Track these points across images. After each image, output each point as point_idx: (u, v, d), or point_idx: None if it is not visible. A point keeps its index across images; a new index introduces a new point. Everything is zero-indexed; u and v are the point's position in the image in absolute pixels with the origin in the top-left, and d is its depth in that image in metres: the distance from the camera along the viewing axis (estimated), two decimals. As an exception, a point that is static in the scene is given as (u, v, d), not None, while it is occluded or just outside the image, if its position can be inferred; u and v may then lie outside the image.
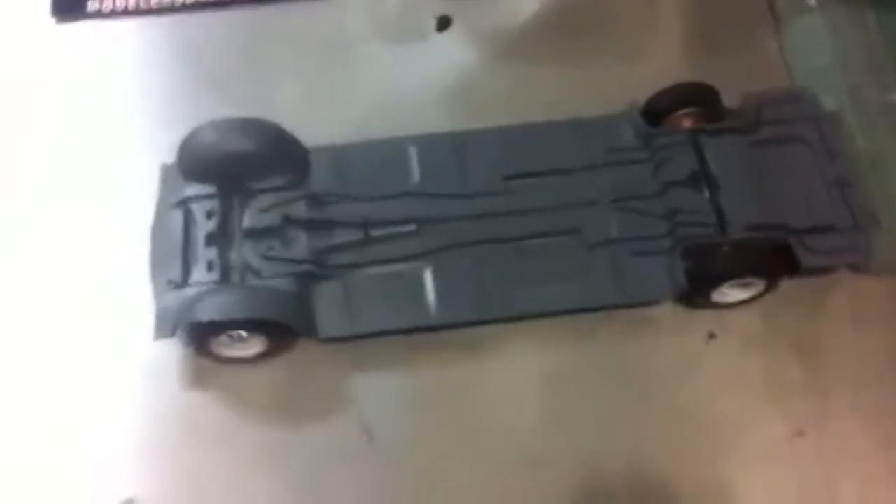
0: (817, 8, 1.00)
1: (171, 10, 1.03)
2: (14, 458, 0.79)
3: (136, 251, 0.83)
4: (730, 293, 0.83)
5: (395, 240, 0.83)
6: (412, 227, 0.83)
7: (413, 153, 0.88)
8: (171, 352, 0.82)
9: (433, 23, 1.02)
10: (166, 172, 0.86)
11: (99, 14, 1.03)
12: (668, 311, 0.85)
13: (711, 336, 0.84)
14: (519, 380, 0.82)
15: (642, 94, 0.90)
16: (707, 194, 0.84)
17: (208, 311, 0.76)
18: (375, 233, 0.83)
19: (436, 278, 0.81)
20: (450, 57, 1.01)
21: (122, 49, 1.02)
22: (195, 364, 0.82)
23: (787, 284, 0.83)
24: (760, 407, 0.81)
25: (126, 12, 1.03)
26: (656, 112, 0.89)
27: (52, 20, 1.02)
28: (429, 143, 0.88)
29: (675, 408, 0.81)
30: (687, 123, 0.88)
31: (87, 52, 1.01)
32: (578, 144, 0.88)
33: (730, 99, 0.89)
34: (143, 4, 1.03)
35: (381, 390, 0.82)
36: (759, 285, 0.82)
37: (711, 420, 0.81)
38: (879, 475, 0.79)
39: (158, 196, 0.85)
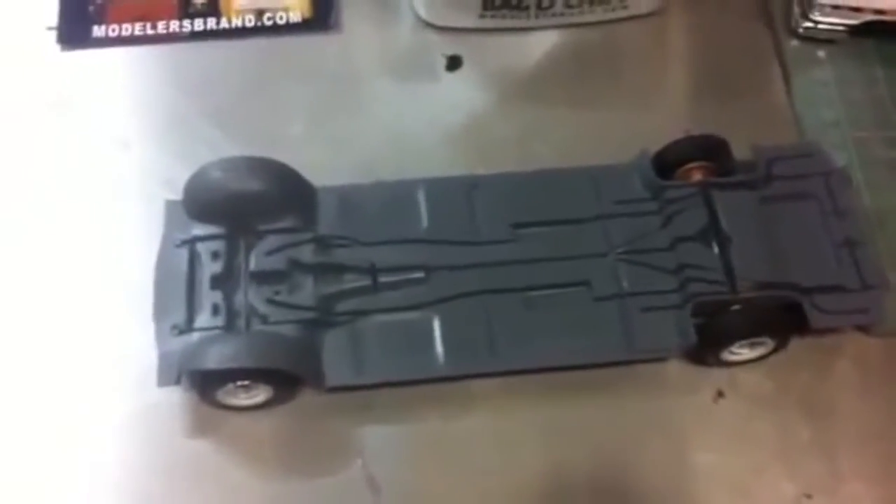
0: (826, 60, 1.01)
1: (178, 38, 1.02)
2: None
3: (136, 290, 0.81)
4: (740, 352, 0.82)
5: (403, 286, 0.82)
6: (420, 273, 0.82)
7: (422, 197, 0.87)
8: (173, 398, 0.81)
9: (443, 62, 1.02)
10: (171, 210, 0.85)
11: (105, 41, 1.01)
12: (676, 368, 0.84)
13: (720, 394, 0.84)
14: (523, 435, 0.81)
15: (652, 141, 0.89)
16: (717, 250, 0.83)
17: (214, 360, 0.75)
18: (383, 279, 0.82)
19: (444, 328, 0.80)
20: (460, 97, 1.00)
21: (126, 77, 1.00)
22: (197, 410, 0.81)
23: (795, 343, 0.83)
24: (769, 467, 0.81)
25: (132, 39, 1.02)
26: (667, 163, 0.88)
27: (56, 47, 1.01)
28: (438, 187, 0.87)
29: (682, 466, 0.81)
30: (697, 176, 0.88)
31: (92, 80, 0.99)
32: (589, 194, 0.87)
33: (738, 149, 0.89)
34: (149, 31, 1.02)
35: (388, 442, 0.81)
36: (768, 344, 0.82)
37: (720, 479, 0.80)
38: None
39: (163, 235, 0.83)
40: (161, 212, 0.85)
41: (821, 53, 1.01)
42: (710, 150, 0.88)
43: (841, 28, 1.00)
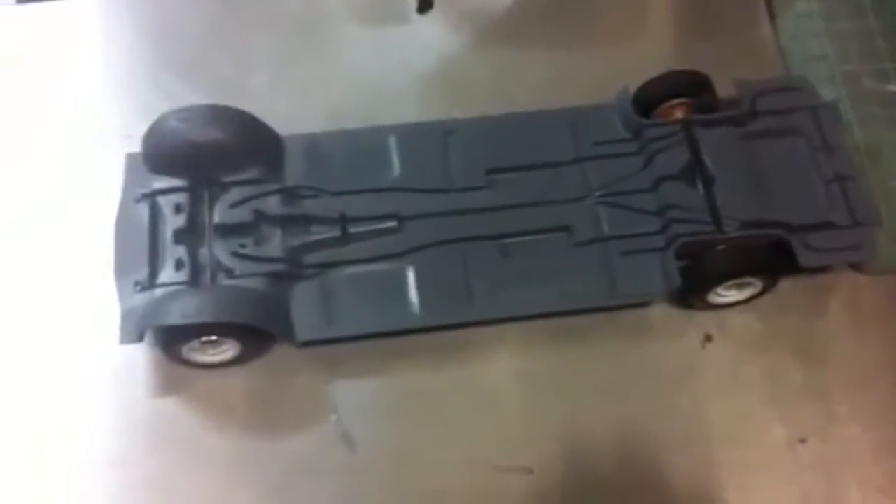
0: (812, -8, 0.97)
1: (134, -12, 0.98)
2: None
3: (99, 247, 0.78)
4: (726, 294, 0.79)
5: (374, 237, 0.79)
6: (393, 223, 0.79)
7: (393, 143, 0.83)
8: (139, 357, 0.77)
9: (414, 3, 0.97)
10: (131, 163, 0.81)
11: (60, -8, 0.97)
12: (661, 313, 0.81)
13: (707, 338, 0.81)
14: (505, 385, 0.79)
15: (632, 81, 0.85)
16: (701, 189, 0.80)
17: (178, 315, 0.71)
18: (354, 229, 0.78)
19: (418, 278, 0.77)
20: (431, 40, 0.96)
21: (84, 31, 0.96)
22: (164, 370, 0.77)
23: (784, 284, 0.80)
24: (760, 412, 0.78)
25: (89, -9, 0.98)
26: (648, 101, 0.85)
27: (11, 1, 0.97)
28: (409, 133, 0.84)
29: (670, 413, 0.78)
30: (679, 114, 0.84)
31: (48, 33, 0.95)
32: (566, 136, 0.84)
33: (722, 87, 0.85)
34: (105, -19, 0.98)
35: (362, 397, 0.78)
36: (756, 285, 0.79)
37: (709, 425, 0.77)
38: (882, 483, 0.76)
39: (123, 188, 0.80)
40: (122, 166, 0.81)
41: (806, -15, 0.98)
42: (692, 86, 0.84)
43: (827, -43, 0.97)
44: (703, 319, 0.81)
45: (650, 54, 0.95)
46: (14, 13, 0.97)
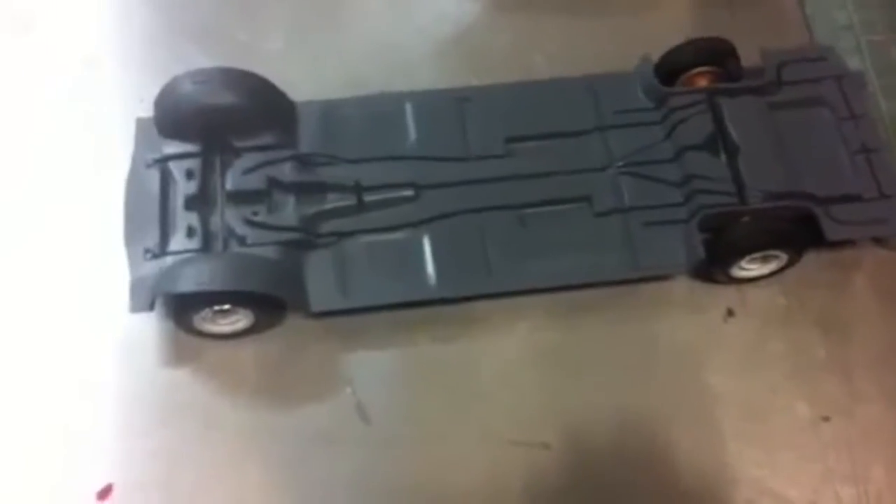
0: (840, -40, 0.95)
1: (148, -47, 0.96)
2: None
3: (111, 215, 0.76)
4: (750, 267, 0.78)
5: (390, 205, 0.77)
6: (409, 191, 0.77)
7: (409, 110, 0.82)
8: (150, 326, 0.76)
9: (430, -31, 0.96)
10: (142, 128, 0.79)
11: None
12: (682, 287, 0.80)
13: (730, 313, 0.79)
14: (522, 358, 0.77)
15: (654, 49, 0.84)
16: (725, 160, 0.78)
17: (189, 283, 0.70)
18: (369, 198, 0.77)
19: (434, 248, 0.76)
20: (448, 6, 0.94)
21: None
22: (175, 340, 0.76)
23: (809, 258, 0.78)
24: (783, 388, 0.77)
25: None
26: (670, 70, 0.83)
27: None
28: (426, 100, 0.82)
29: (691, 388, 0.76)
30: (703, 82, 0.82)
31: (58, -1, 0.94)
32: (587, 104, 0.82)
33: (747, 56, 0.83)
34: (117, -56, 0.96)
35: (377, 368, 0.77)
36: (781, 259, 0.77)
37: (731, 401, 0.76)
38: (907, 462, 0.74)
39: (133, 154, 0.78)
40: (132, 130, 0.80)
41: (833, -47, 0.95)
42: (716, 54, 0.83)
43: (855, -77, 0.94)
44: (725, 293, 0.80)
45: (672, 22, 0.93)
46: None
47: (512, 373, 0.77)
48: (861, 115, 0.81)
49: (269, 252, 0.74)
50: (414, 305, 0.76)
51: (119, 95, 0.88)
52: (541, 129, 0.81)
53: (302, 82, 0.84)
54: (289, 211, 0.76)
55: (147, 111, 0.79)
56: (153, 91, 0.79)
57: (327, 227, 0.76)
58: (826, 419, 0.76)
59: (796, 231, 0.76)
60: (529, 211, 0.78)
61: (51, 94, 0.88)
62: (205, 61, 0.87)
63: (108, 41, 0.92)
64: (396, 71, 0.89)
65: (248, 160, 0.77)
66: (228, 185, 0.76)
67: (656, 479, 0.74)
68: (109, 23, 0.94)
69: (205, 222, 0.75)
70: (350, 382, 0.76)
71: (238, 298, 0.72)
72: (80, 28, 0.92)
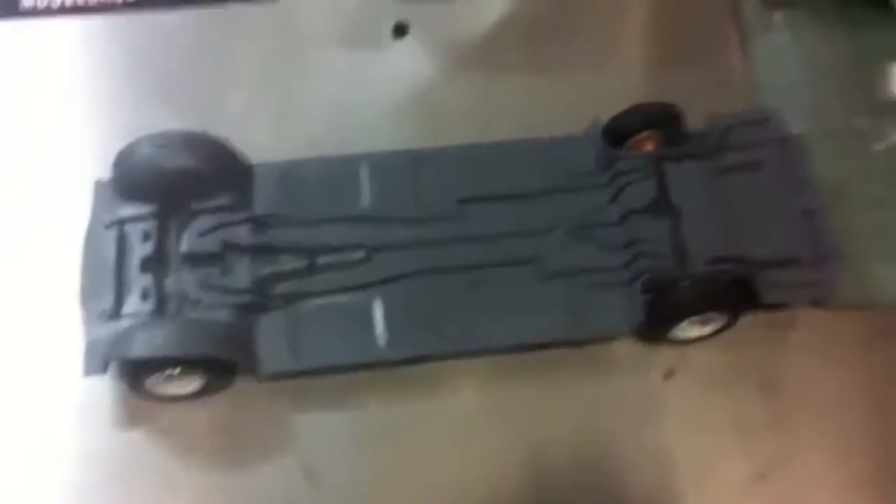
0: (784, 25, 0.98)
1: (112, 8, 0.98)
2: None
3: (67, 275, 0.78)
4: (689, 329, 0.80)
5: (342, 268, 0.79)
6: (361, 254, 0.79)
7: (365, 172, 0.84)
8: (103, 388, 0.78)
9: (389, 29, 0.98)
10: (100, 190, 0.81)
11: (34, 11, 0.97)
12: (625, 347, 0.82)
13: (671, 373, 0.82)
14: (470, 418, 0.80)
15: (606, 109, 0.86)
16: (668, 224, 0.81)
17: (142, 347, 0.72)
18: (322, 260, 0.79)
19: (386, 310, 0.78)
20: (406, 67, 0.97)
21: (58, 50, 0.96)
22: (129, 402, 0.78)
23: (747, 318, 0.81)
24: (723, 446, 0.79)
25: (63, 10, 0.98)
26: (618, 133, 0.85)
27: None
28: (381, 162, 0.84)
29: (633, 448, 0.79)
30: (649, 146, 0.85)
31: (21, 52, 0.95)
32: (537, 167, 0.84)
33: (695, 117, 0.86)
34: (80, 2, 0.98)
35: (325, 429, 0.78)
36: (719, 321, 0.80)
37: (673, 460, 0.79)
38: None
39: (90, 215, 0.80)
40: (90, 190, 0.81)
41: (779, 16, 0.99)
42: (662, 118, 0.85)
43: (799, -11, 0.98)
44: (667, 353, 0.82)
45: (626, 83, 0.96)
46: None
47: (461, 432, 0.79)
48: (801, 179, 0.83)
49: (223, 315, 0.76)
50: (365, 368, 0.78)
51: (81, 152, 0.89)
52: (492, 191, 0.83)
53: (263, 141, 0.86)
54: (243, 273, 0.77)
55: (107, 169, 0.81)
56: (115, 146, 0.80)
57: (280, 288, 0.78)
58: (765, 476, 0.78)
59: (735, 294, 0.79)
60: (479, 273, 0.80)
61: (13, 151, 0.90)
62: (167, 118, 0.89)
63: (71, 98, 0.94)
64: (355, 131, 0.91)
65: (203, 222, 0.79)
66: (183, 248, 0.78)
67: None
68: (73, 80, 0.95)
69: (160, 284, 0.76)
70: (298, 443, 0.77)
71: (190, 363, 0.73)
72: (45, 84, 0.94)
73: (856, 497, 0.78)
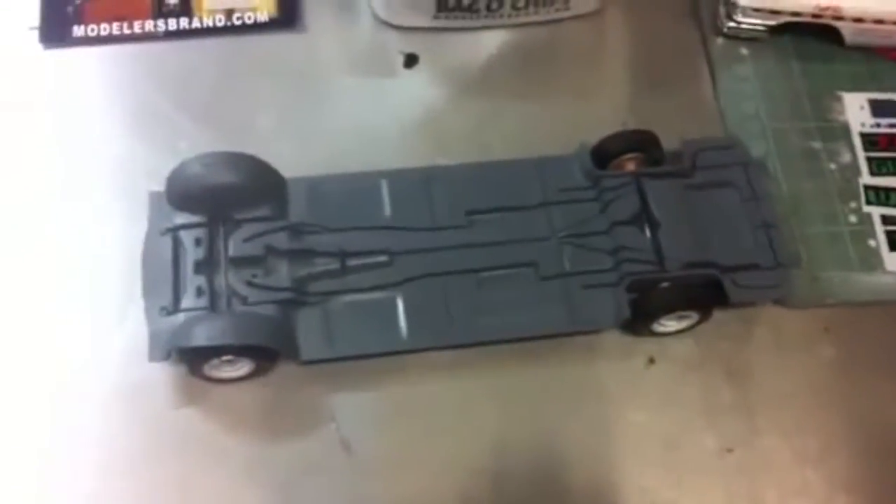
0: (748, 57, 1.11)
1: (153, 37, 1.09)
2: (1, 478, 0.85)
3: (126, 276, 0.90)
4: (668, 324, 0.92)
5: (369, 269, 0.90)
6: (384, 257, 0.91)
7: (384, 186, 0.95)
8: (161, 372, 0.89)
9: (401, 59, 1.09)
10: (155, 200, 0.92)
11: (84, 40, 1.08)
12: (610, 339, 0.94)
13: (651, 361, 0.94)
14: (477, 399, 0.91)
15: (593, 133, 0.98)
16: (648, 233, 0.93)
17: (202, 337, 0.83)
18: (351, 262, 0.90)
19: (406, 306, 0.89)
20: (416, 92, 1.08)
21: (106, 75, 1.07)
22: (184, 383, 0.89)
23: (718, 315, 0.93)
24: (695, 424, 0.91)
25: (110, 38, 1.08)
26: (603, 155, 0.98)
27: (39, 47, 1.07)
28: (398, 178, 0.96)
29: (616, 424, 0.91)
30: (631, 167, 0.97)
31: (74, 77, 1.06)
32: (534, 183, 0.96)
33: (670, 140, 0.98)
34: (126, 31, 1.08)
35: (357, 407, 0.90)
36: (693, 317, 0.92)
37: (651, 435, 0.90)
38: (796, 487, 0.89)
39: (148, 223, 0.91)
40: (144, 201, 0.92)
41: (743, 51, 1.11)
42: (642, 143, 0.98)
43: (761, 28, 1.10)
44: (648, 344, 0.94)
45: (608, 109, 1.07)
46: (41, 57, 1.07)
47: (465, 411, 0.90)
48: (762, 197, 0.96)
49: (267, 309, 0.87)
50: (388, 354, 0.90)
51: (129, 168, 0.99)
52: (495, 204, 0.95)
53: (290, 158, 0.96)
54: (283, 274, 0.88)
55: (155, 183, 0.91)
56: (159, 164, 0.92)
57: (315, 287, 0.89)
58: (730, 451, 0.90)
59: (707, 294, 0.91)
60: (485, 274, 0.91)
61: (67, 168, 1.00)
62: (203, 137, 1.00)
63: (117, 119, 1.04)
64: (373, 150, 1.02)
65: (247, 230, 0.90)
66: (231, 252, 0.89)
67: (586, 493, 0.88)
68: (119, 103, 1.05)
69: (211, 283, 0.87)
70: (334, 419, 0.89)
71: (242, 350, 0.85)
72: (94, 106, 1.04)
73: (806, 468, 0.90)
